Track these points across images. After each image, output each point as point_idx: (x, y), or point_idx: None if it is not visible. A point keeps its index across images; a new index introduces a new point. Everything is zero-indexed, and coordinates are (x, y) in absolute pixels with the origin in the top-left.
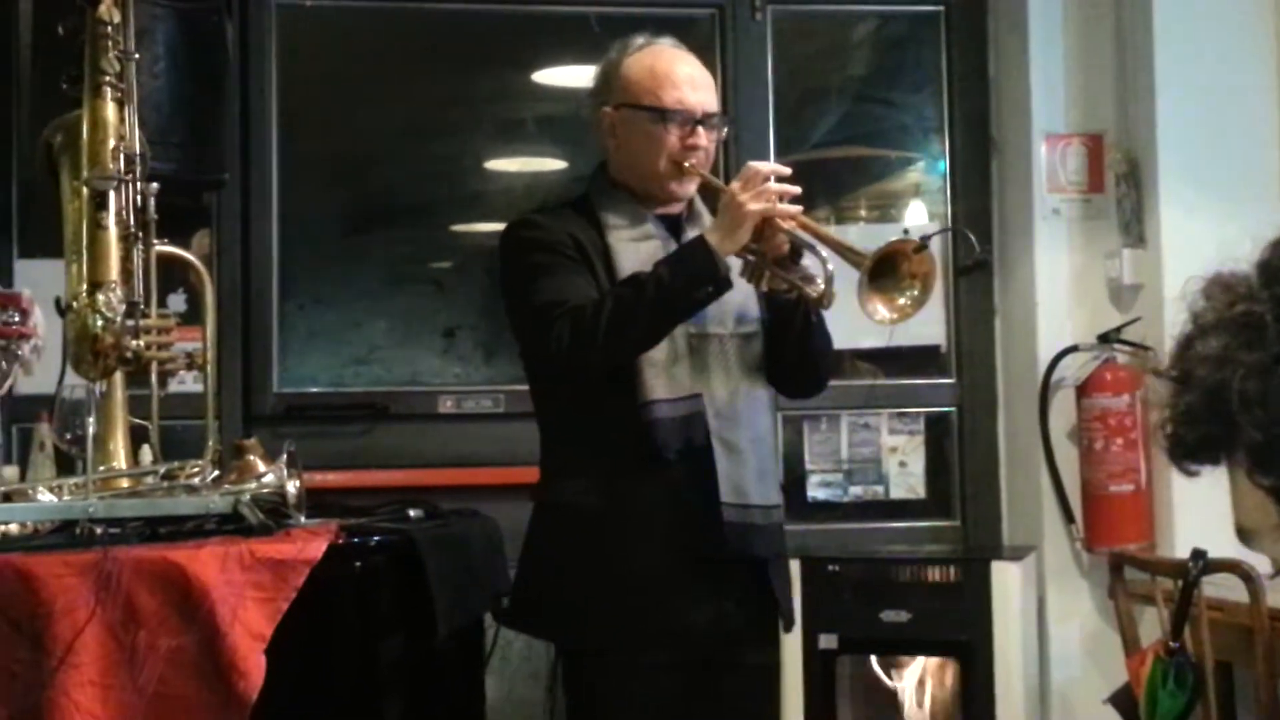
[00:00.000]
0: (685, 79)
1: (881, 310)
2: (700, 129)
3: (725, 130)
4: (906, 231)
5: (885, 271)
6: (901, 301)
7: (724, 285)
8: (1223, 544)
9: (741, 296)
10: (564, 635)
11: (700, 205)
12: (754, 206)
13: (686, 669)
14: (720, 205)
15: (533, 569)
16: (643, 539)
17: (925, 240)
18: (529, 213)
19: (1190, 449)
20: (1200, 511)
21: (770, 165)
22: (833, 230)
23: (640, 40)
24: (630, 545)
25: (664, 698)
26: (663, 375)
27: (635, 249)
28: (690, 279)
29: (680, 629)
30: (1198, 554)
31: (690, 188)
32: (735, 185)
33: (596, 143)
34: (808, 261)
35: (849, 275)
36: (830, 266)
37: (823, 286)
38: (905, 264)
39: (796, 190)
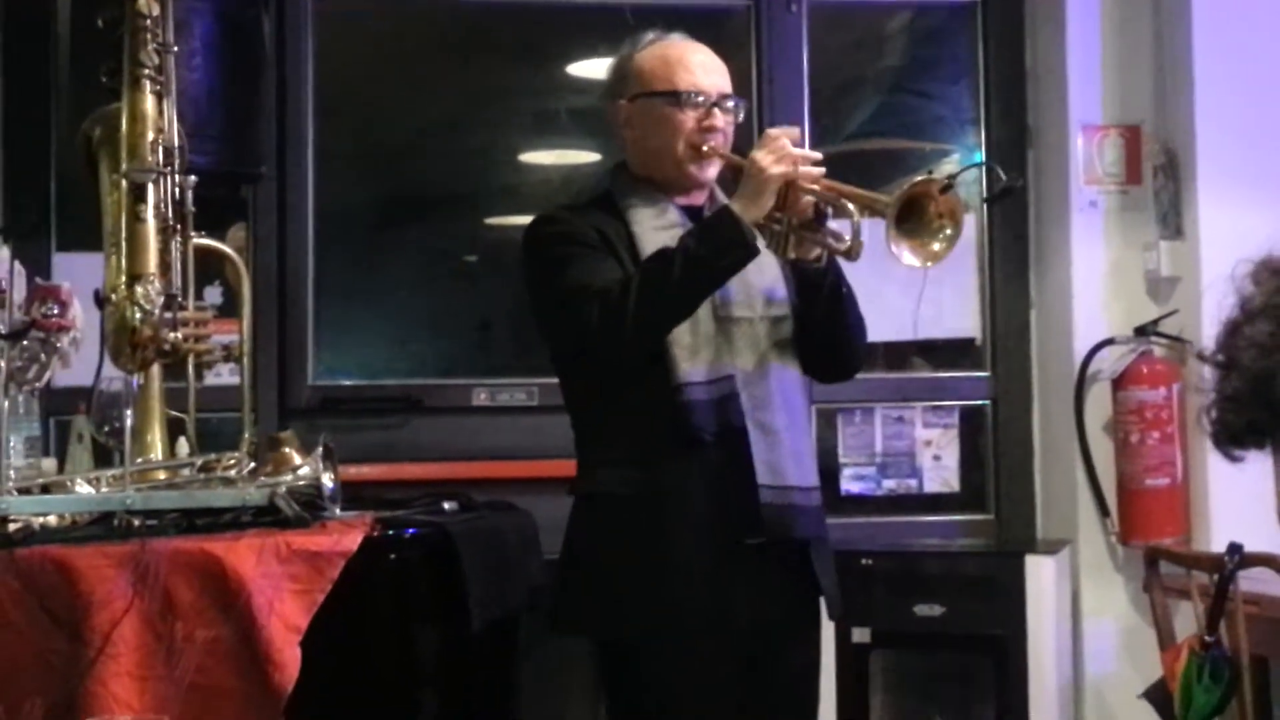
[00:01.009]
0: (698, 64)
1: (910, 255)
2: (716, 110)
3: (742, 114)
4: (931, 172)
5: (913, 215)
6: (935, 247)
7: (752, 251)
8: (1259, 538)
9: (769, 279)
10: (607, 628)
11: (721, 195)
12: (776, 170)
13: (732, 658)
14: (744, 173)
15: (574, 566)
16: (683, 524)
17: (952, 179)
18: (551, 210)
19: (1235, 434)
20: (1236, 505)
21: (790, 130)
22: (864, 223)
23: (651, 35)
24: (671, 530)
25: (710, 689)
26: (693, 358)
27: (661, 237)
28: (717, 247)
29: (724, 616)
30: (1234, 548)
31: (710, 172)
32: (756, 152)
33: (615, 138)
34: (833, 225)
35: (878, 268)
36: (858, 219)
37: (849, 241)
38: (932, 205)
39: (817, 155)
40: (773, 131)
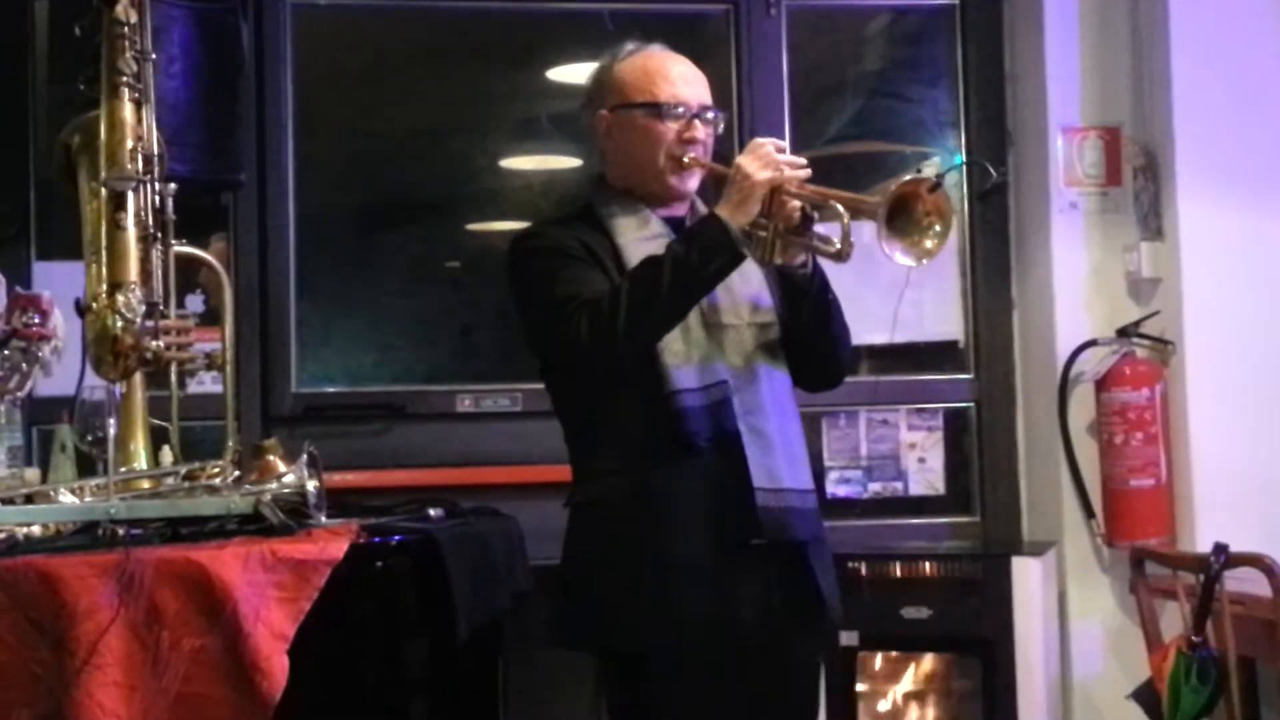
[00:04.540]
0: (678, 75)
1: (902, 255)
2: (697, 122)
3: (721, 126)
4: (919, 171)
5: (901, 214)
6: (928, 244)
7: (739, 256)
8: (1244, 537)
9: (754, 287)
10: (611, 639)
11: (702, 207)
12: (762, 175)
13: (734, 661)
14: (729, 180)
15: (574, 577)
16: (682, 529)
17: (939, 178)
18: (534, 225)
19: None
20: (1221, 505)
21: (774, 140)
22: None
23: (631, 46)
24: (669, 536)
25: (715, 693)
26: (685, 364)
27: (646, 248)
28: (705, 253)
29: (726, 619)
30: (1219, 548)
31: (691, 183)
32: (742, 158)
33: (595, 150)
34: (820, 229)
35: (860, 272)
36: (847, 219)
37: (839, 245)
38: (920, 204)
39: (803, 160)
40: (758, 139)
